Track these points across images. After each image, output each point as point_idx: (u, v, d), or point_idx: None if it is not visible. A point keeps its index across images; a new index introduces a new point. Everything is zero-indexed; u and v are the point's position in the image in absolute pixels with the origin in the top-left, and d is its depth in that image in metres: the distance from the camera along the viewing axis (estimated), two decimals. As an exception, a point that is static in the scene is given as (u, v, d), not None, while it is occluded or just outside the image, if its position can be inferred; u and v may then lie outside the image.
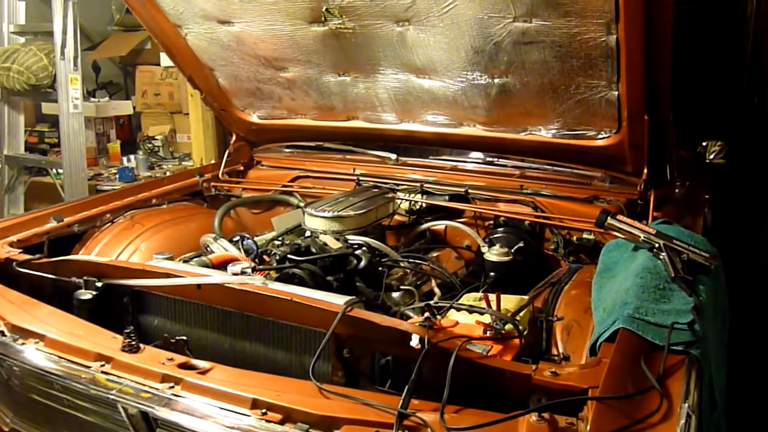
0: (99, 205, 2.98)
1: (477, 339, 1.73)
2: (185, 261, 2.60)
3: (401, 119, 3.12)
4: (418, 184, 3.12)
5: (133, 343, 1.85)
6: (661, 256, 2.04)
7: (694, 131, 3.30)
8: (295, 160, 3.59)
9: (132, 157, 5.49)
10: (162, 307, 2.23)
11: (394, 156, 3.37)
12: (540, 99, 2.65)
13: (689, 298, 1.82)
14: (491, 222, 2.99)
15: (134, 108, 6.11)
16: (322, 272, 2.30)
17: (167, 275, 2.08)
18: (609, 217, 2.25)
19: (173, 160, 5.59)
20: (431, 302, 1.86)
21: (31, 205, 5.02)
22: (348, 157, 3.51)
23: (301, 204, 3.31)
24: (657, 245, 2.08)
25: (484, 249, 2.78)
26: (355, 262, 2.30)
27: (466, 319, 1.97)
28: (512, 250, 2.75)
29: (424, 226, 2.99)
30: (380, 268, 2.42)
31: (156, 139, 5.61)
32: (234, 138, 3.64)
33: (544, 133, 2.83)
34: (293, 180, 3.45)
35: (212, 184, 3.54)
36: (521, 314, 2.00)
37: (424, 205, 3.08)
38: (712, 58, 4.22)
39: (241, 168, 3.70)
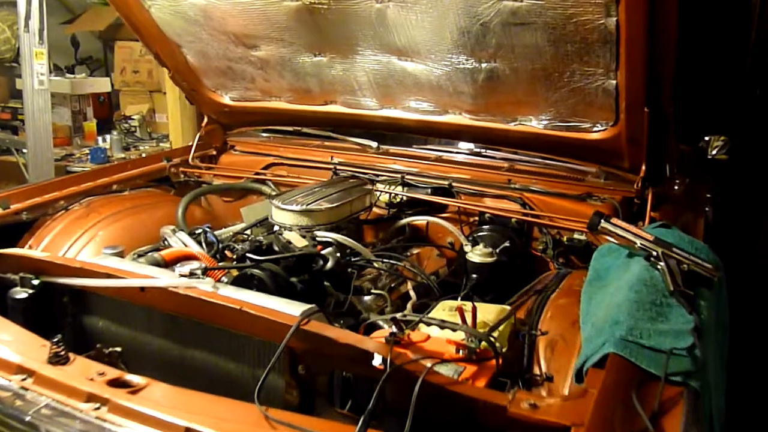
0: (52, 191, 2.75)
1: (448, 359, 1.52)
2: (139, 255, 2.39)
3: (382, 105, 2.90)
4: (399, 176, 2.89)
5: (62, 353, 1.63)
6: (658, 266, 1.83)
7: (695, 125, 3.08)
8: (270, 146, 3.36)
9: (108, 137, 5.24)
10: (106, 309, 2.02)
11: (375, 144, 3.15)
12: (531, 87, 2.42)
13: (689, 316, 1.61)
14: (476, 218, 2.77)
15: (112, 85, 5.85)
16: (286, 273, 2.08)
17: (107, 275, 1.86)
18: (603, 220, 2.04)
19: (151, 141, 5.34)
20: (399, 315, 1.65)
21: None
22: (326, 144, 3.28)
23: (274, 193, 3.09)
24: (655, 253, 1.87)
25: (467, 248, 2.57)
26: (321, 262, 2.08)
27: (440, 332, 1.76)
28: (497, 251, 2.54)
29: (404, 221, 2.78)
30: (350, 269, 2.21)
31: (133, 119, 5.36)
32: (206, 120, 3.40)
33: (535, 124, 2.61)
34: (267, 167, 3.22)
35: (181, 169, 3.31)
36: (501, 328, 1.79)
37: (404, 198, 2.86)
38: (716, 48, 3.99)
39: (214, 152, 3.47)
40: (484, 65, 2.41)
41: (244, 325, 1.69)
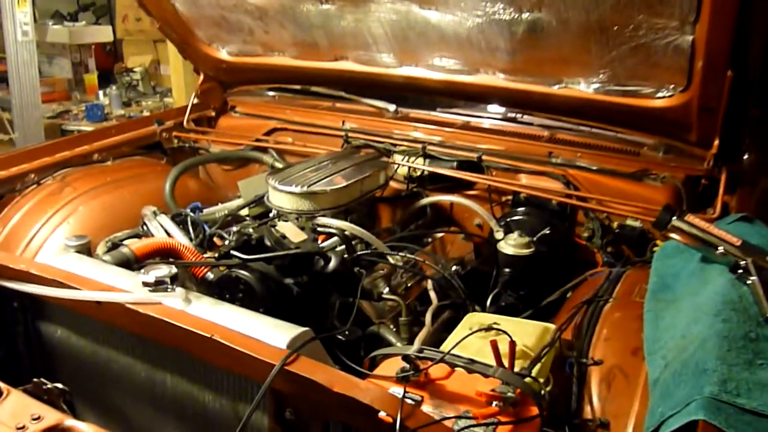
0: (22, 162, 2.40)
1: (479, 421, 1.15)
2: (113, 245, 2.04)
3: (401, 62, 2.47)
4: (420, 146, 2.48)
5: (-9, 388, 1.30)
6: (748, 281, 1.43)
7: None
8: (274, 107, 2.95)
9: (107, 91, 4.85)
10: (63, 317, 1.69)
11: (392, 107, 2.73)
12: (582, 42, 1.99)
13: (797, 357, 1.21)
14: (509, 198, 2.36)
15: (115, 34, 5.44)
16: (279, 273, 1.72)
17: (56, 282, 1.51)
18: (675, 218, 1.62)
19: (154, 96, 4.94)
20: (413, 349, 1.28)
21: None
22: (338, 106, 2.87)
23: (278, 163, 2.71)
24: (743, 263, 1.46)
25: (498, 235, 2.17)
26: (322, 262, 1.71)
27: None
28: (534, 239, 2.14)
29: (424, 201, 2.38)
30: (357, 269, 1.83)
31: (134, 72, 4.95)
32: (202, 78, 3.00)
33: (584, 88, 2.17)
34: (269, 133, 2.82)
35: (174, 134, 2.92)
36: (544, 359, 1.41)
37: (426, 172, 2.46)
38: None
39: (213, 114, 3.08)
40: (525, 15, 1.98)
41: (217, 357, 1.33)
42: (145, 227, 2.10)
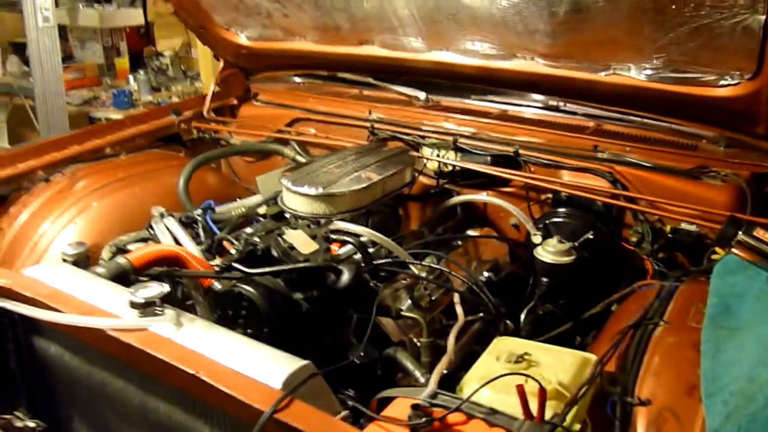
0: (30, 158, 2.29)
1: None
2: (119, 250, 1.91)
3: (430, 46, 2.27)
4: (451, 138, 2.27)
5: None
6: (831, 312, 1.19)
7: None
8: (298, 96, 2.77)
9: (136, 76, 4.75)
10: (56, 332, 1.55)
11: (422, 95, 2.52)
12: (633, 24, 1.76)
13: None
14: (549, 197, 2.14)
15: (146, 18, 5.33)
16: (288, 287, 1.55)
17: (37, 302, 1.38)
18: (741, 232, 1.39)
19: (184, 80, 4.82)
20: (424, 394, 1.09)
21: (19, 133, 4.38)
22: (364, 93, 2.67)
23: (299, 157, 2.54)
24: (825, 290, 1.22)
25: (536, 239, 1.96)
26: (333, 276, 1.53)
27: (491, 397, 1.19)
28: (576, 244, 1.92)
29: (454, 200, 2.18)
30: (374, 283, 1.65)
31: (164, 56, 4.83)
32: (222, 64, 2.84)
33: (635, 74, 1.94)
34: (291, 123, 2.65)
35: (194, 124, 2.78)
36: (581, 399, 1.21)
37: (457, 167, 2.25)
38: None
39: (235, 102, 2.92)
40: (567, -6, 1.74)
41: (205, 395, 1.18)
42: (151, 230, 1.96)
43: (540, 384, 1.04)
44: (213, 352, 1.24)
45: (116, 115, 3.93)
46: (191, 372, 1.15)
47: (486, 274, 2.03)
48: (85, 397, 1.57)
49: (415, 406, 1.06)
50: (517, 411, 1.13)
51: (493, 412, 1.05)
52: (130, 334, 1.26)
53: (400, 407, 1.18)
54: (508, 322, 1.81)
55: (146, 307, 1.33)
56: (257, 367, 1.19)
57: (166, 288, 1.36)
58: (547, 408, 1.12)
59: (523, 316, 1.83)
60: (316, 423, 1.04)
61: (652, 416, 1.24)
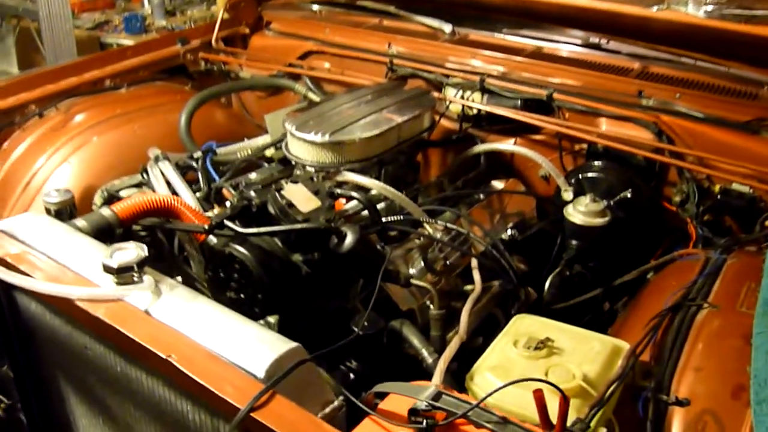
0: (23, 90, 2.13)
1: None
2: (110, 196, 1.76)
3: (458, -28, 2.01)
4: (478, 78, 2.04)
5: None
6: None
7: None
8: (313, 25, 2.54)
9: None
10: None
11: (448, 27, 2.27)
12: (696, -49, 1.48)
13: None
14: (584, 148, 1.93)
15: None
16: (286, 248, 1.40)
17: (4, 262, 1.24)
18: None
19: (201, 4, 4.55)
20: (426, 395, 0.94)
21: (28, 59, 4.18)
22: (385, 23, 2.43)
23: (312, 94, 2.34)
24: None
25: (566, 196, 1.78)
26: (335, 240, 1.36)
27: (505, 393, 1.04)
28: (611, 203, 1.73)
29: (478, 148, 1.98)
30: (381, 246, 1.49)
31: (179, -25, 4.56)
32: (232, -12, 2.61)
33: (693, 10, 1.68)
34: (304, 56, 2.43)
35: (201, 55, 2.58)
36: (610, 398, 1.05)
37: (483, 111, 2.04)
38: None
39: (246, 31, 2.70)
40: None
41: (179, 380, 1.04)
42: (146, 175, 1.80)
43: (562, 393, 0.87)
44: (192, 328, 1.10)
45: (127, 41, 3.73)
46: (162, 356, 1.01)
47: (509, 231, 1.85)
48: (67, 359, 1.46)
49: (413, 412, 0.91)
50: (533, 412, 0.98)
51: (506, 422, 0.89)
52: (99, 306, 1.12)
53: (400, 400, 1.03)
54: (530, 290, 1.65)
55: (121, 273, 1.18)
56: (240, 349, 1.05)
57: (144, 251, 1.21)
58: (570, 405, 0.96)
59: (547, 284, 1.66)
60: (298, 424, 0.90)
61: (690, 420, 1.08)
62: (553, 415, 0.90)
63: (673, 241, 1.80)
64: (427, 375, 1.37)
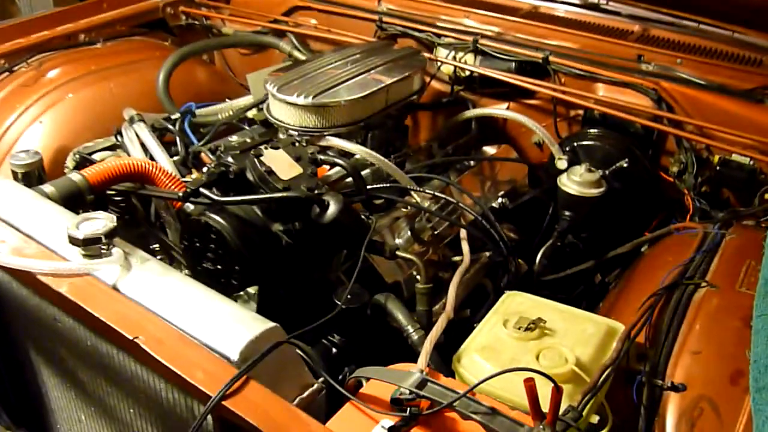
0: (-11, 44, 2.01)
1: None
2: (83, 159, 1.68)
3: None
4: (471, 39, 1.95)
5: None
6: None
7: None
8: (300, -22, 2.42)
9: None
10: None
11: (441, -18, 2.16)
12: None
13: None
14: (580, 113, 1.86)
15: None
16: (266, 217, 1.32)
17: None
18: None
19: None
20: (409, 383, 0.88)
21: (2, 7, 3.99)
22: (375, -23, 2.32)
23: (297, 52, 2.23)
24: None
25: (560, 164, 1.71)
26: (317, 210, 1.29)
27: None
28: (606, 173, 1.67)
29: (469, 113, 1.89)
30: (366, 215, 1.42)
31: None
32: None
33: (698, -30, 1.58)
34: (289, 12, 2.32)
35: (181, 9, 2.46)
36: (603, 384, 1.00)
37: (476, 73, 1.95)
38: None
39: (231, -19, 2.57)
40: None
41: (148, 362, 0.98)
42: (120, 138, 1.71)
43: (555, 383, 0.82)
44: (162, 306, 1.03)
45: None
46: (129, 337, 0.94)
47: (500, 199, 1.79)
48: (37, 330, 1.39)
49: (395, 401, 0.86)
50: (523, 398, 0.93)
51: (494, 413, 0.84)
52: (64, 281, 1.05)
53: (384, 384, 0.98)
54: (521, 261, 1.59)
55: (88, 245, 1.11)
56: (213, 329, 0.99)
57: (113, 222, 1.13)
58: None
59: (539, 257, 1.60)
60: (273, 413, 0.85)
61: (685, 406, 1.04)
62: (544, 403, 0.85)
63: (669, 213, 1.74)
64: (412, 351, 1.33)
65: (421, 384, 0.88)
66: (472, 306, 1.52)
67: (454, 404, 0.84)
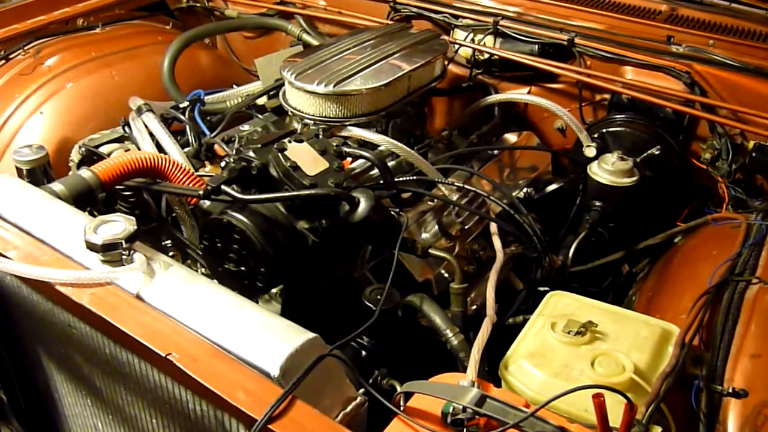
0: (-16, 30, 1.91)
1: None
2: (89, 152, 1.59)
3: None
4: (491, 20, 1.87)
5: None
6: None
7: None
8: (307, -43, 2.32)
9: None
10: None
11: (457, -39, 2.07)
12: None
13: None
14: (607, 98, 1.78)
15: None
16: (291, 215, 1.25)
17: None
18: None
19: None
20: (468, 399, 0.82)
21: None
22: (386, -44, 2.22)
23: (306, 35, 2.14)
24: None
25: (589, 152, 1.64)
26: (347, 207, 1.22)
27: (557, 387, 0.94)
28: (638, 160, 1.60)
29: (490, 99, 1.82)
30: (397, 211, 1.35)
31: None
32: None
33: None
34: (297, -7, 2.22)
35: (185, -10, 2.36)
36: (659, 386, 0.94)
37: (496, 56, 1.87)
38: None
39: (234, -39, 2.46)
40: None
41: (182, 380, 0.91)
42: (128, 129, 1.63)
43: (629, 401, 0.76)
44: (192, 317, 0.96)
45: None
46: (161, 354, 0.87)
47: (525, 190, 1.72)
48: (49, 335, 1.32)
49: (456, 422, 0.79)
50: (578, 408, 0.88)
51: (562, 432, 0.78)
52: (84, 291, 0.98)
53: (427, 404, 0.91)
54: (555, 257, 1.53)
55: (107, 251, 1.03)
56: (248, 342, 0.92)
57: (133, 225, 1.06)
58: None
59: (572, 251, 1.54)
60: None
61: (748, 413, 0.98)
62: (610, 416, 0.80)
63: (701, 201, 1.68)
64: (440, 348, 1.26)
65: (480, 401, 0.82)
66: (499, 301, 1.46)
67: (522, 426, 0.78)
